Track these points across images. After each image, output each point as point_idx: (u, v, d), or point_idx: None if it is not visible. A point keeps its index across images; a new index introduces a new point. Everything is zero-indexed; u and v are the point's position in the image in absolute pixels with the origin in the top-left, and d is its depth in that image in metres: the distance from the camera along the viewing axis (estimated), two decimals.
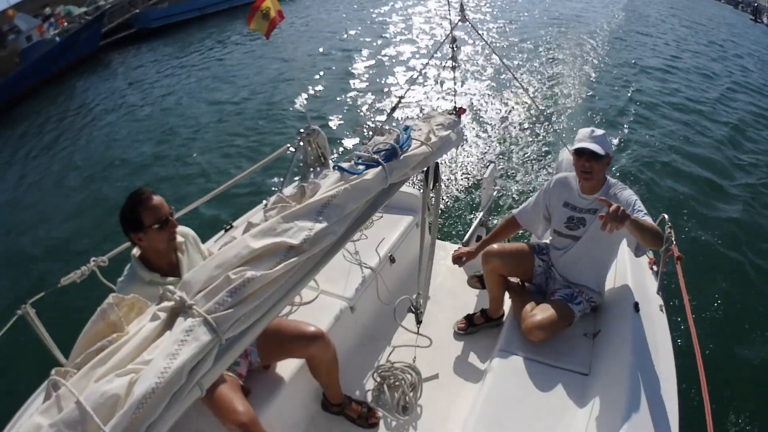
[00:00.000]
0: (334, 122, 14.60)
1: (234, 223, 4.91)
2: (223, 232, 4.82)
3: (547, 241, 4.48)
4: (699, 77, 18.87)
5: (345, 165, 2.33)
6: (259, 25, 4.26)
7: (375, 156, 2.43)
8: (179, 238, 3.31)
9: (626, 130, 13.37)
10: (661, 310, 3.96)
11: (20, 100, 26.71)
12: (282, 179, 4.39)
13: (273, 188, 10.32)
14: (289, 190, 2.30)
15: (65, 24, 33.83)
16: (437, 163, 3.19)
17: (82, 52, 31.82)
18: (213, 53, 27.01)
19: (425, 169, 3.12)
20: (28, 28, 31.04)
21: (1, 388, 6.40)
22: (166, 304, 1.76)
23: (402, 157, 2.54)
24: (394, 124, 3.15)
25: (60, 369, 1.66)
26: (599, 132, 3.79)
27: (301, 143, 4.33)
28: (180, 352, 1.57)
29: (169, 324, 1.72)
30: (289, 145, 4.69)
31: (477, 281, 4.92)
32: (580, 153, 3.76)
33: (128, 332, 1.75)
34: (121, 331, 1.76)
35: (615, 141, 12.31)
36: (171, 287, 1.78)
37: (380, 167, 2.36)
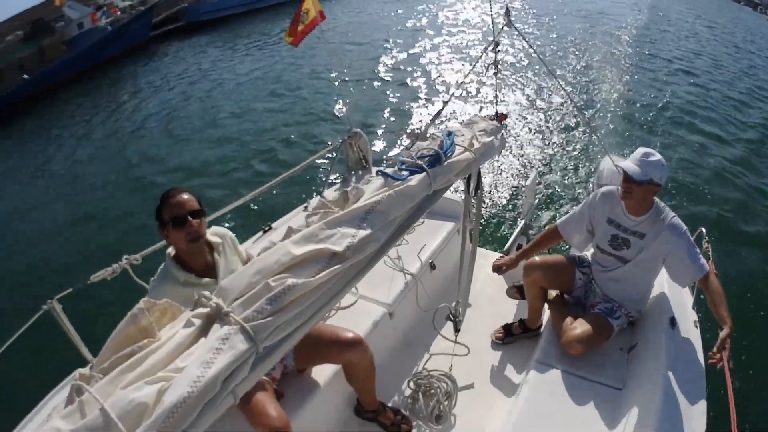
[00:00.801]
0: (375, 125, 14.55)
1: (273, 225, 4.88)
2: (261, 233, 4.80)
3: (588, 254, 4.41)
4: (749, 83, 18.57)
5: (389, 171, 2.27)
6: (291, 34, 4.24)
7: (419, 162, 2.37)
8: (216, 239, 3.28)
9: (667, 136, 13.21)
10: (696, 326, 3.89)
11: (67, 85, 27.32)
12: (324, 181, 4.36)
13: (312, 190, 10.31)
14: (330, 194, 2.24)
15: (118, 13, 34.51)
16: (479, 169, 3.14)
17: (132, 42, 32.66)
18: (257, 50, 27.32)
19: (467, 175, 3.06)
20: (80, 15, 31.68)
21: (24, 384, 6.44)
22: (201, 310, 1.71)
23: (446, 163, 2.49)
24: (436, 130, 3.10)
25: (85, 374, 1.61)
26: (653, 158, 3.63)
27: (343, 146, 4.30)
28: (215, 361, 1.51)
29: (203, 331, 1.66)
30: (330, 147, 4.66)
31: (516, 291, 4.88)
32: (623, 172, 3.67)
33: (160, 338, 1.69)
34: (152, 337, 1.71)
35: (656, 148, 12.05)
36: (207, 293, 1.73)
37: (424, 173, 2.30)
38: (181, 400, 1.42)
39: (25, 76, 27.72)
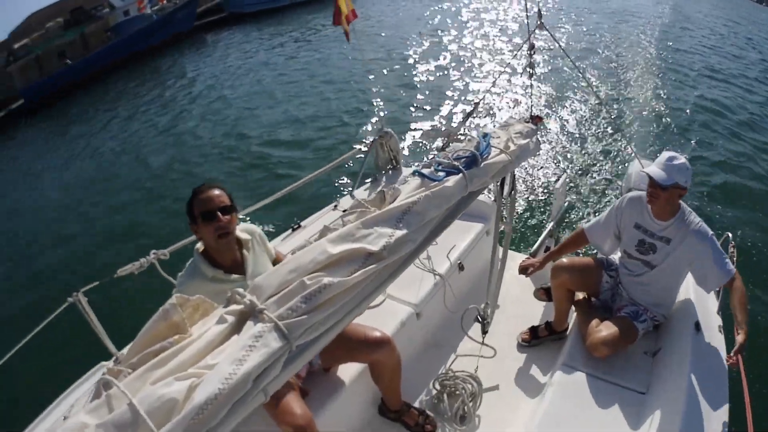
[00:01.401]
0: (406, 125, 14.51)
1: (302, 223, 4.89)
2: (290, 231, 4.81)
3: (616, 257, 4.38)
4: None
5: (426, 171, 2.25)
6: (343, 24, 4.25)
7: (455, 163, 2.35)
8: (245, 236, 3.28)
9: (698, 139, 13.06)
10: (720, 331, 3.86)
11: (110, 72, 27.79)
12: (354, 181, 4.35)
13: (341, 189, 10.32)
14: (360, 193, 2.23)
15: (164, 2, 34.92)
16: (513, 171, 3.12)
17: (176, 30, 33.29)
18: (297, 46, 27.60)
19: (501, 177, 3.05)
20: (125, 3, 32.27)
21: (47, 376, 6.49)
22: (234, 307, 1.69)
23: (482, 165, 2.46)
24: (470, 131, 3.08)
25: (113, 368, 1.60)
26: (678, 161, 3.60)
27: (374, 145, 4.29)
28: (248, 358, 1.49)
29: (236, 328, 1.65)
30: (361, 146, 4.66)
31: (543, 294, 4.86)
32: (648, 176, 3.64)
33: (191, 334, 1.68)
34: (183, 333, 1.69)
35: (686, 151, 11.95)
36: (240, 290, 1.72)
37: (461, 174, 2.28)
38: (212, 397, 1.40)
39: (68, 61, 28.28)
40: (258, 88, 19.89)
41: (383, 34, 28.01)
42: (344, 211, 2.16)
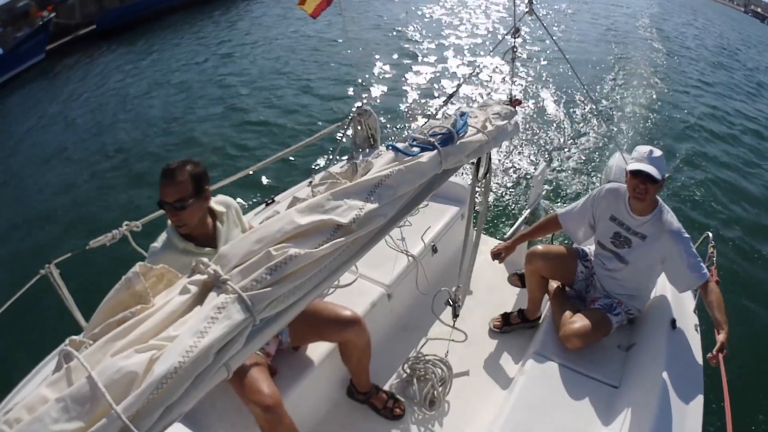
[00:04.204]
0: (387, 105, 14.44)
1: (276, 198, 4.85)
2: (264, 206, 4.77)
3: (591, 248, 4.39)
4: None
5: (400, 145, 2.21)
6: (309, 5, 4.17)
7: (431, 139, 2.30)
8: (220, 208, 3.25)
9: (679, 135, 13.17)
10: (696, 330, 3.88)
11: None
12: (331, 158, 4.31)
13: (318, 166, 10.26)
14: (336, 169, 2.18)
15: None
16: (490, 153, 3.09)
17: None
18: (275, 24, 27.06)
19: (477, 158, 3.01)
20: None
21: (19, 350, 6.41)
22: (198, 277, 1.63)
23: (458, 143, 2.41)
24: (449, 111, 3.05)
25: (75, 339, 1.53)
26: (658, 153, 3.64)
27: (352, 123, 4.25)
28: (209, 330, 1.43)
29: (199, 299, 1.58)
30: (338, 124, 4.61)
31: (517, 279, 4.86)
32: (636, 174, 3.62)
33: (154, 305, 1.61)
34: (146, 303, 1.62)
35: (667, 147, 12.04)
36: (204, 259, 1.65)
37: (435, 151, 2.23)
38: (172, 371, 1.34)
39: None
40: (229, 66, 19.74)
41: (364, 13, 27.79)
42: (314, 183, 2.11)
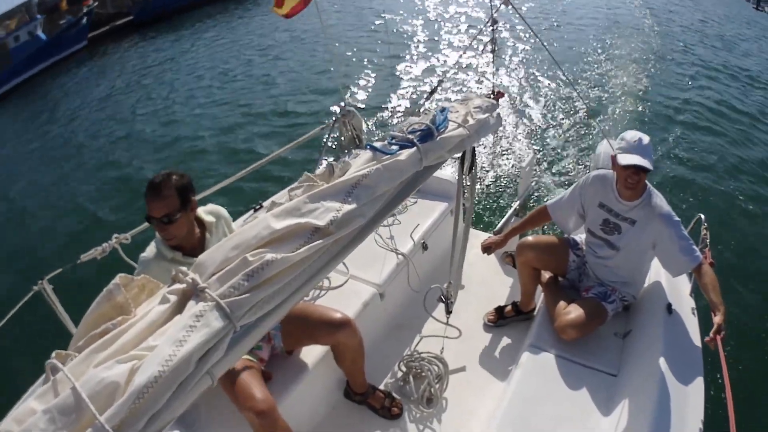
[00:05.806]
0: (370, 104, 14.45)
1: (264, 204, 4.84)
2: (252, 211, 4.75)
3: (582, 237, 4.37)
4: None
5: (378, 144, 2.20)
6: (286, 6, 4.14)
7: (410, 136, 2.29)
8: (209, 218, 3.26)
9: (667, 120, 13.11)
10: (693, 314, 3.87)
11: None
12: (317, 160, 4.30)
13: (305, 169, 10.23)
14: (318, 171, 2.17)
15: None
16: (474, 147, 3.07)
17: None
18: (255, 25, 27.14)
19: (461, 153, 3.00)
20: None
21: (18, 367, 6.40)
22: (177, 286, 1.63)
23: (438, 138, 2.40)
24: (431, 106, 3.03)
25: (60, 353, 1.55)
26: (646, 140, 3.59)
27: (337, 124, 4.24)
28: (188, 339, 1.44)
29: (179, 308, 1.59)
30: (323, 126, 4.60)
31: (510, 259, 4.97)
32: (629, 166, 3.58)
33: (136, 315, 1.62)
34: (127, 314, 1.64)
35: (654, 133, 12.00)
36: (183, 268, 1.66)
37: (415, 148, 2.22)
38: (152, 380, 1.35)
39: None
40: (207, 75, 19.88)
41: (345, 12, 27.86)
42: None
